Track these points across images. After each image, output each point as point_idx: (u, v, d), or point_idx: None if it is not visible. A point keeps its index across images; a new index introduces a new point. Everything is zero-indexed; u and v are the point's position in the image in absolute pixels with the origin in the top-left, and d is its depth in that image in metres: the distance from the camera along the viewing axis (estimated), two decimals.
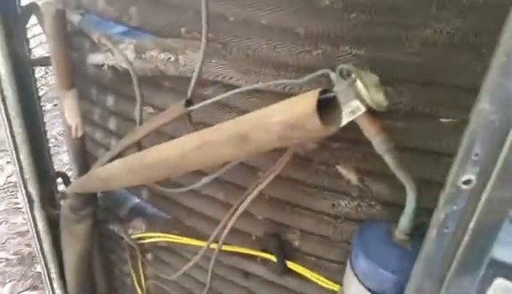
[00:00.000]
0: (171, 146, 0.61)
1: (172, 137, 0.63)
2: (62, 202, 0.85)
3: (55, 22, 0.63)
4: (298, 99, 0.46)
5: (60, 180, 0.93)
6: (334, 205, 0.65)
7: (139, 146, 0.73)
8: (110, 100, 0.80)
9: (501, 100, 0.33)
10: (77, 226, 0.83)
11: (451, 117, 0.53)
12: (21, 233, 2.26)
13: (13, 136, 0.85)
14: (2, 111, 0.80)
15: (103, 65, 0.70)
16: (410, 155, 0.55)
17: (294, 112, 0.44)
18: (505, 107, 0.33)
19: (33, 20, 0.77)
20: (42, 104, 0.89)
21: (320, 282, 0.71)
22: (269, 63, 0.58)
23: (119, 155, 0.73)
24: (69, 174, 0.92)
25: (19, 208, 2.30)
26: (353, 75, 0.47)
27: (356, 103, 0.49)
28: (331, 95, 0.45)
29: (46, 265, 1.06)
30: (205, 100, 0.61)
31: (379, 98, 0.49)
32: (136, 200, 0.94)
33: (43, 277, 1.13)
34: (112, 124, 0.83)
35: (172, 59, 0.63)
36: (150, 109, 0.72)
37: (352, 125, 0.50)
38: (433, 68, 0.52)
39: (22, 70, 0.79)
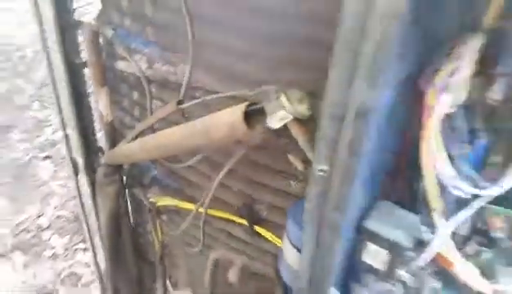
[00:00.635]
0: (167, 133, 0.84)
1: (176, 124, 0.86)
2: (98, 170, 1.11)
3: (90, 38, 0.88)
4: (236, 108, 0.67)
5: None
6: (287, 185, 0.86)
7: (152, 130, 0.97)
8: (135, 95, 1.04)
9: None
10: (107, 189, 1.10)
11: None
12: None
13: (64, 122, 1.11)
14: (58, 101, 1.07)
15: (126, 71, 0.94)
16: None
17: (231, 117, 0.65)
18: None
19: None
20: None
21: (278, 244, 0.92)
22: (239, 77, 0.79)
23: (137, 137, 0.98)
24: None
25: None
26: (278, 93, 0.67)
27: (282, 112, 0.69)
28: (258, 106, 0.66)
29: (87, 222, 1.35)
30: (194, 100, 0.84)
31: (301, 109, 0.69)
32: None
33: (85, 232, 1.43)
34: (136, 112, 1.08)
35: (172, 70, 0.86)
36: (159, 103, 0.96)
37: None
38: None
39: (75, 72, 1.04)
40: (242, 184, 0.93)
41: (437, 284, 0.68)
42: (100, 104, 0.98)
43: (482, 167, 0.61)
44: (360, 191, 0.61)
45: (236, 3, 0.72)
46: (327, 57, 0.49)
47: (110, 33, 0.96)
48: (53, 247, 2.33)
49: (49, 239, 2.38)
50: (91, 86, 1.05)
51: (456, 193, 0.58)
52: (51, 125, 3.29)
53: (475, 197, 0.62)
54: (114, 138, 1.07)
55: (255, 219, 0.95)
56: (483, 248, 0.70)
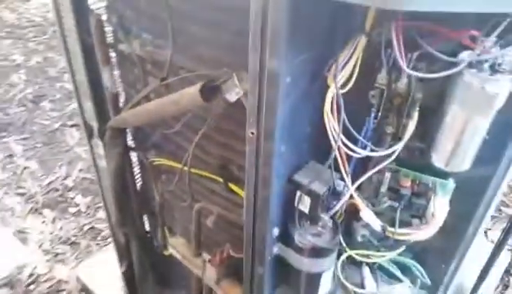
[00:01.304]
0: (153, 103, 1.05)
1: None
2: (106, 133, 1.34)
3: (96, 24, 1.08)
4: (197, 85, 0.86)
5: None
6: None
7: (148, 100, 1.18)
8: (135, 71, 1.25)
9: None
10: (113, 150, 1.32)
11: None
12: None
13: (79, 94, 1.33)
14: (74, 76, 1.29)
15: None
16: None
17: (192, 91, 0.85)
18: None
19: None
20: None
21: None
22: (208, 60, 0.98)
23: (135, 106, 1.19)
24: None
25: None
26: (232, 74, 0.86)
27: (237, 89, 0.88)
28: (216, 84, 0.85)
29: (100, 180, 1.59)
30: (173, 78, 1.04)
31: (246, 86, 0.88)
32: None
33: (100, 189, 1.67)
34: (138, 85, 1.29)
35: (159, 52, 1.06)
36: (152, 78, 1.16)
37: None
38: None
39: (89, 51, 1.25)
40: (219, 148, 1.13)
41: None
42: (104, 78, 1.19)
43: (380, 136, 0.79)
44: (286, 151, 0.80)
45: (204, 1, 0.91)
46: None
47: (114, 20, 1.16)
48: (77, 205, 2.62)
49: (74, 198, 2.67)
50: None
51: (354, 155, 0.77)
52: None
53: (380, 161, 0.80)
54: (118, 106, 1.28)
55: (229, 177, 1.15)
56: (393, 202, 0.89)
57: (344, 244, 0.94)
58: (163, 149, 1.35)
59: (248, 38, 0.70)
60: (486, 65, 0.66)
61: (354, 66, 0.70)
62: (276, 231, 0.92)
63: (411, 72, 0.65)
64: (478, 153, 0.76)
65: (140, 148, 1.41)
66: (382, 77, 0.72)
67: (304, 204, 0.86)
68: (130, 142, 1.44)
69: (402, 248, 0.91)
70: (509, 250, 2.26)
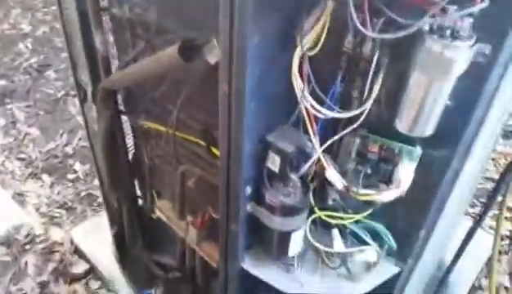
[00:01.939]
0: (139, 64, 1.08)
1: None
2: (98, 95, 1.38)
3: None
4: (175, 45, 0.90)
5: None
6: None
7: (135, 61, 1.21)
8: (127, 34, 1.28)
9: None
10: (104, 112, 1.36)
11: None
12: None
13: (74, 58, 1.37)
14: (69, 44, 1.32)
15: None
16: None
17: (171, 51, 0.89)
18: None
19: None
20: None
21: None
22: (192, 22, 1.01)
23: (124, 68, 1.23)
24: None
25: None
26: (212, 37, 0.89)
27: (215, 51, 0.91)
28: (194, 44, 0.88)
29: (92, 144, 1.63)
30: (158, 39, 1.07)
31: None
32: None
33: (92, 153, 1.72)
34: (130, 49, 1.32)
35: (147, 15, 1.09)
36: (141, 41, 1.20)
37: None
38: None
39: (85, 16, 1.28)
40: (201, 113, 1.17)
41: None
42: (96, 41, 1.23)
43: (347, 100, 0.82)
44: (256, 110, 0.83)
45: None
46: None
47: None
48: (76, 172, 2.68)
49: (73, 165, 2.73)
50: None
51: (320, 116, 0.80)
52: None
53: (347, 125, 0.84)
54: (110, 69, 1.32)
55: (211, 141, 1.19)
56: (361, 166, 0.92)
57: (314, 206, 0.98)
58: (152, 113, 1.38)
59: None
60: (447, 32, 0.69)
61: (322, 29, 0.73)
62: (248, 190, 0.95)
63: (372, 34, 0.68)
64: (441, 119, 0.79)
65: (130, 112, 1.45)
66: (349, 42, 0.75)
67: (274, 163, 0.90)
68: (121, 107, 1.48)
69: (369, 211, 0.95)
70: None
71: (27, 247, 2.21)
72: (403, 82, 0.77)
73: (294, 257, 1.06)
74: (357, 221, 1.02)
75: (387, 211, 1.01)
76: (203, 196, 1.27)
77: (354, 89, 0.80)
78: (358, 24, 0.64)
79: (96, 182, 2.55)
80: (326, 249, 0.98)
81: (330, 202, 1.00)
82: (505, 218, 2.45)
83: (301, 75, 0.76)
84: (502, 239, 2.31)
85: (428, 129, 0.79)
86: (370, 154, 0.90)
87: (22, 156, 2.79)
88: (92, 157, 2.76)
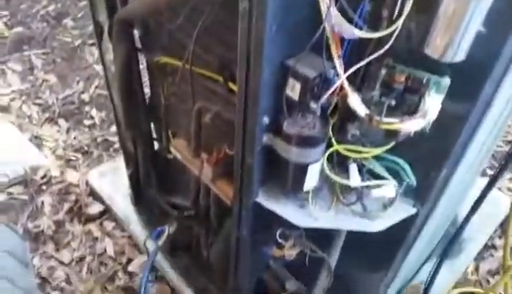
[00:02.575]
0: None
1: None
2: (114, 28, 1.35)
3: None
4: None
5: None
6: None
7: None
8: None
9: None
10: (120, 46, 1.34)
11: None
12: None
13: None
14: None
15: None
16: None
17: None
18: None
19: None
20: None
21: None
22: None
23: None
24: None
25: None
26: None
27: None
28: None
29: (108, 85, 1.62)
30: None
31: None
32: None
33: (108, 93, 1.70)
34: None
35: None
36: None
37: None
38: None
39: None
40: (219, 46, 1.13)
41: None
42: None
43: (375, 21, 0.78)
44: (278, 33, 0.79)
45: None
46: None
47: None
48: (92, 118, 2.69)
49: (89, 112, 2.74)
50: None
51: (346, 36, 0.76)
52: None
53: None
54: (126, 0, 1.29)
55: (229, 76, 1.16)
56: (384, 98, 0.88)
57: (334, 140, 0.95)
58: (168, 48, 1.35)
59: None
60: None
61: None
62: (266, 120, 0.93)
63: None
64: (474, 48, 0.75)
65: (146, 48, 1.42)
66: None
67: (294, 91, 0.86)
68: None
69: (390, 145, 0.92)
70: None
71: (43, 187, 2.24)
72: (436, 2, 0.72)
73: (308, 193, 1.04)
74: (376, 158, 0.99)
75: (407, 150, 0.98)
76: (218, 133, 1.25)
77: (384, 8, 0.75)
78: None
79: (113, 129, 2.57)
80: (343, 181, 0.95)
81: (350, 138, 0.97)
82: None
83: None
84: None
85: (459, 53, 0.75)
86: (396, 84, 0.86)
87: (39, 101, 2.80)
88: (108, 105, 2.79)
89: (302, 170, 0.97)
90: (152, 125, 1.71)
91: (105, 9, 1.40)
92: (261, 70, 0.84)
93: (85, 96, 2.85)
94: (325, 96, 0.85)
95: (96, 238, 2.04)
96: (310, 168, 0.96)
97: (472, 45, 0.75)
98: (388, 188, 0.96)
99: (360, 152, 0.94)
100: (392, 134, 0.88)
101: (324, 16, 0.74)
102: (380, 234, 1.08)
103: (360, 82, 0.89)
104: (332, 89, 0.83)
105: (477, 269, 2.03)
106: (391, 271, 1.39)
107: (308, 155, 0.94)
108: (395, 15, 0.75)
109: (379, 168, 0.98)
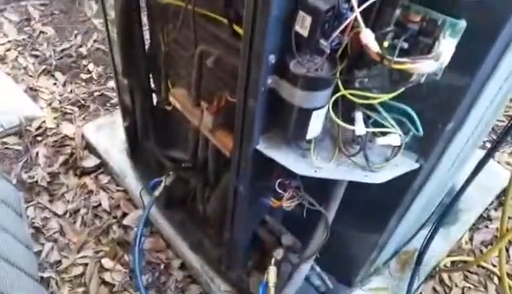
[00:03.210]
0: None
1: None
2: None
3: None
4: None
5: None
6: None
7: None
8: None
9: None
10: None
11: None
12: None
13: None
14: None
15: None
16: None
17: None
18: None
19: None
20: None
21: None
22: None
23: None
24: None
25: None
26: None
27: None
28: None
29: (109, 33, 1.56)
30: None
31: None
32: None
33: (106, 40, 1.64)
34: None
35: None
36: None
37: None
38: None
39: None
40: None
41: None
42: None
43: None
44: None
45: None
46: None
47: None
48: (90, 72, 2.63)
49: (87, 65, 2.68)
50: None
51: None
52: None
53: None
54: None
55: (234, 18, 1.11)
56: (397, 40, 0.84)
57: (340, 85, 0.91)
58: None
59: None
60: None
61: None
62: (272, 58, 0.89)
63: None
64: None
65: None
66: None
67: (304, 26, 0.82)
68: None
69: (398, 91, 0.88)
70: None
71: (38, 138, 2.21)
72: None
73: (310, 142, 1.01)
74: (383, 107, 0.96)
75: (416, 100, 0.95)
76: (220, 79, 1.22)
77: None
78: None
79: (110, 84, 2.51)
80: (349, 126, 0.92)
81: (357, 85, 0.94)
82: None
83: None
84: None
85: None
86: (410, 24, 0.82)
87: (36, 53, 2.74)
88: (106, 60, 2.73)
89: (306, 116, 0.94)
90: (151, 76, 1.66)
91: None
92: (270, 2, 0.79)
93: (83, 50, 2.78)
94: (337, 33, 0.81)
95: (91, 192, 2.01)
96: (314, 114, 0.93)
97: None
98: (394, 136, 0.94)
99: (367, 98, 0.91)
100: (402, 79, 0.85)
101: None
102: (379, 192, 1.05)
103: (372, 22, 0.85)
104: (345, 23, 0.79)
105: (471, 239, 2.03)
106: (386, 232, 1.38)
107: (314, 99, 0.91)
108: None
109: (385, 115, 0.94)
